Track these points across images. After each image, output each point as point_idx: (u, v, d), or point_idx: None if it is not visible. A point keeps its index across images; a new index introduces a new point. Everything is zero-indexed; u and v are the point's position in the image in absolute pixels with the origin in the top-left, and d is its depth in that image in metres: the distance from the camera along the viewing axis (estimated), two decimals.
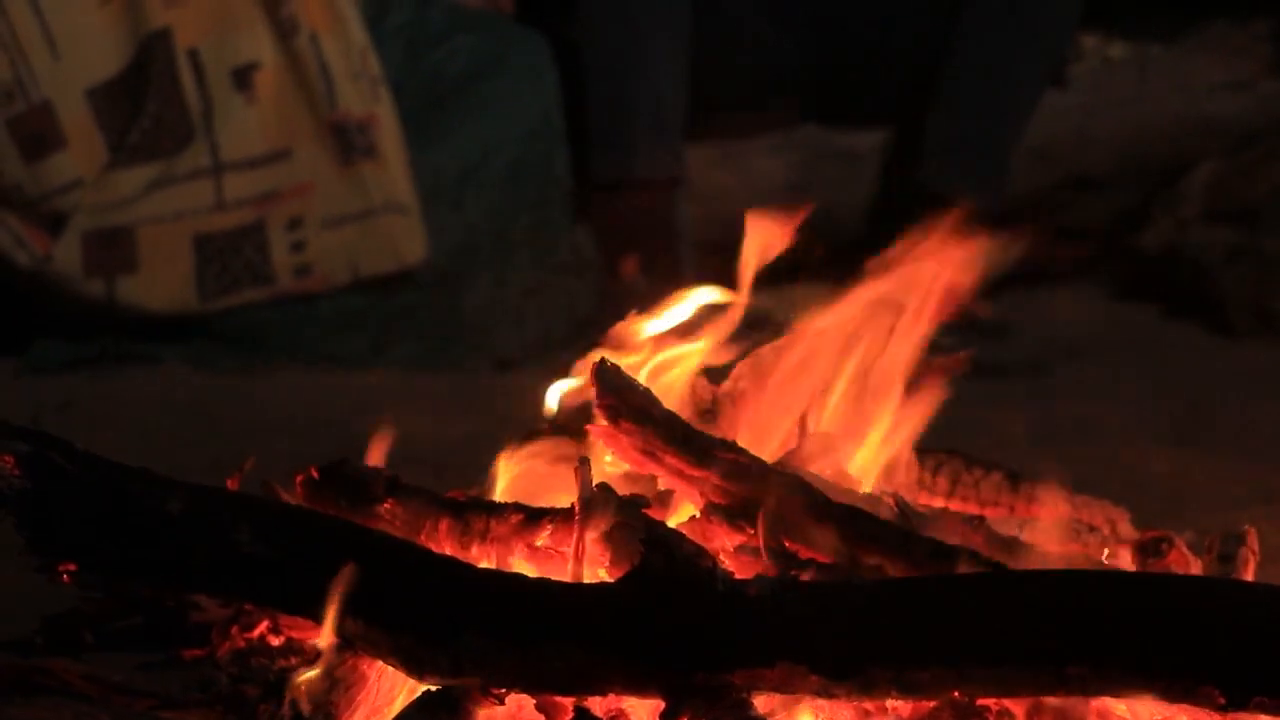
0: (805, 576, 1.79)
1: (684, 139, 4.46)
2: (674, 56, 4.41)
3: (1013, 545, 1.98)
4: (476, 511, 1.95)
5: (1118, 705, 1.73)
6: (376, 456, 2.11)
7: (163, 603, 2.02)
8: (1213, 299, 4.61)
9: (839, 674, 1.64)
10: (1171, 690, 1.64)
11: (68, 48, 3.99)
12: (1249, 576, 2.01)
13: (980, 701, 1.74)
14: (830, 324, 2.18)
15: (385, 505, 1.99)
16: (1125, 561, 2.10)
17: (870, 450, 2.16)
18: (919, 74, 4.51)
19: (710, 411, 2.19)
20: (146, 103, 4.03)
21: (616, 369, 2.02)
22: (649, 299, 2.27)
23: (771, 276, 2.19)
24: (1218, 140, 4.88)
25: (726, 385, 2.21)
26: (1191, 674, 1.63)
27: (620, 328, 2.22)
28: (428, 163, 4.25)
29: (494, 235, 4.32)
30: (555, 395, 2.25)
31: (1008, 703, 1.73)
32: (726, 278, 2.21)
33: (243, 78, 4.09)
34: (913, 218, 2.21)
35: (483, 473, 2.32)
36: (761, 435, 2.17)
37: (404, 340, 4.17)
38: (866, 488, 2.08)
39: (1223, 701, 1.63)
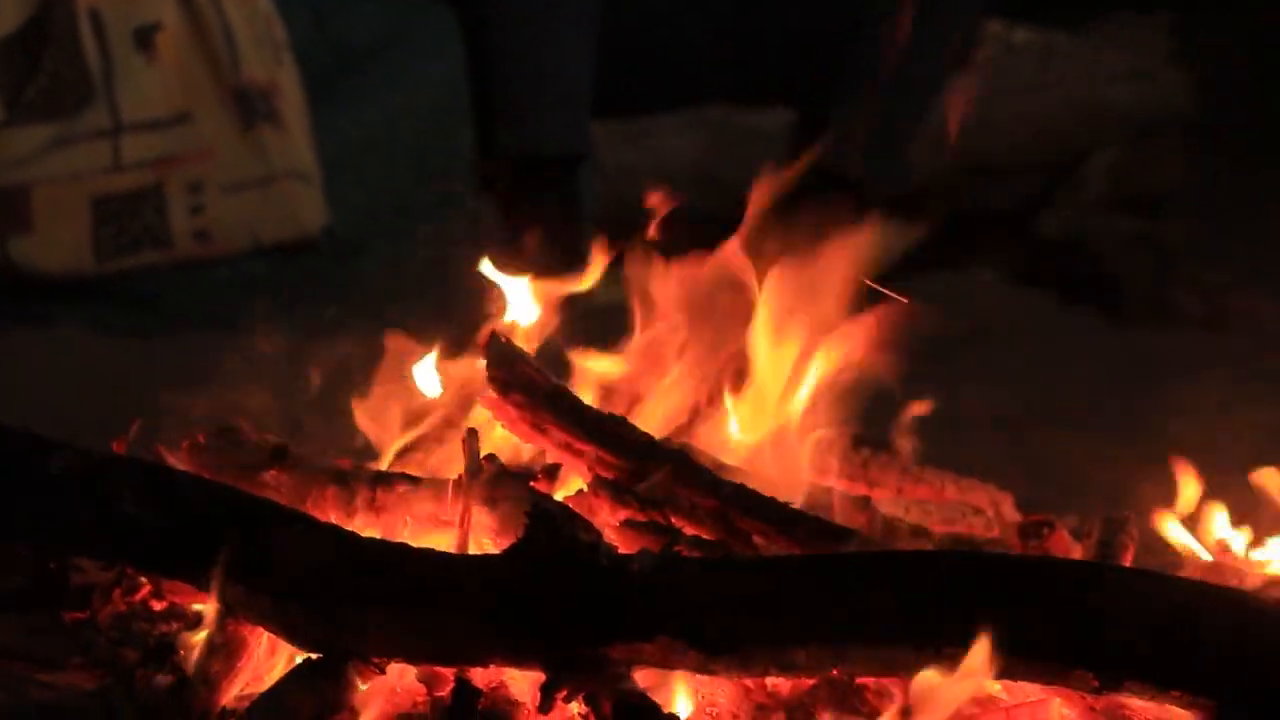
0: (688, 552, 1.79)
1: (590, 114, 4.45)
2: (582, 31, 4.40)
3: (896, 525, 2.00)
4: (362, 480, 1.95)
5: (994, 685, 1.75)
6: None
7: (44, 564, 2.00)
8: (1110, 286, 4.65)
9: (717, 650, 1.65)
10: (1046, 672, 1.66)
11: None
12: (1127, 562, 2.03)
13: (859, 680, 1.75)
14: (730, 304, 2.18)
15: (271, 473, 1.98)
16: (1007, 544, 2.12)
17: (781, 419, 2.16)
18: (828, 55, 4.53)
19: (603, 386, 2.19)
20: (44, 60, 3.98)
21: (508, 342, 2.03)
22: (549, 274, 2.28)
23: (670, 254, 2.19)
24: (1119, 129, 4.91)
25: (620, 361, 2.21)
26: (1066, 656, 1.64)
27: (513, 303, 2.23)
28: (330, 131, 4.22)
29: (395, 205, 4.30)
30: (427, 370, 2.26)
31: (886, 681, 1.74)
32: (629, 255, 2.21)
33: (144, 38, 4.04)
34: (817, 199, 2.22)
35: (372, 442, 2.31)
36: (654, 411, 2.17)
37: (302, 307, 4.15)
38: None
39: (1096, 684, 1.65)
